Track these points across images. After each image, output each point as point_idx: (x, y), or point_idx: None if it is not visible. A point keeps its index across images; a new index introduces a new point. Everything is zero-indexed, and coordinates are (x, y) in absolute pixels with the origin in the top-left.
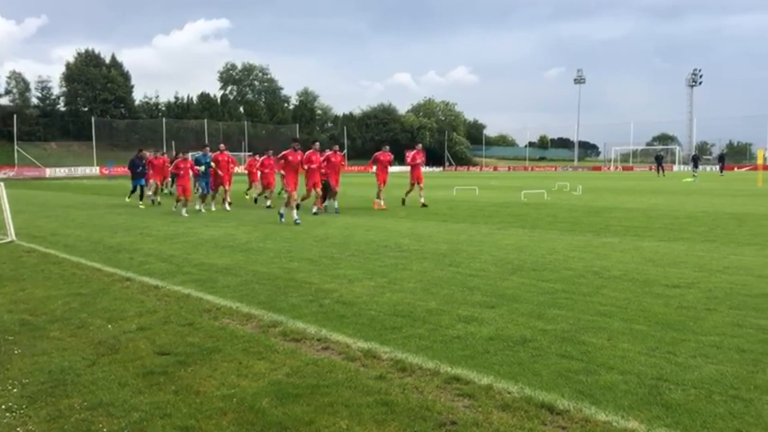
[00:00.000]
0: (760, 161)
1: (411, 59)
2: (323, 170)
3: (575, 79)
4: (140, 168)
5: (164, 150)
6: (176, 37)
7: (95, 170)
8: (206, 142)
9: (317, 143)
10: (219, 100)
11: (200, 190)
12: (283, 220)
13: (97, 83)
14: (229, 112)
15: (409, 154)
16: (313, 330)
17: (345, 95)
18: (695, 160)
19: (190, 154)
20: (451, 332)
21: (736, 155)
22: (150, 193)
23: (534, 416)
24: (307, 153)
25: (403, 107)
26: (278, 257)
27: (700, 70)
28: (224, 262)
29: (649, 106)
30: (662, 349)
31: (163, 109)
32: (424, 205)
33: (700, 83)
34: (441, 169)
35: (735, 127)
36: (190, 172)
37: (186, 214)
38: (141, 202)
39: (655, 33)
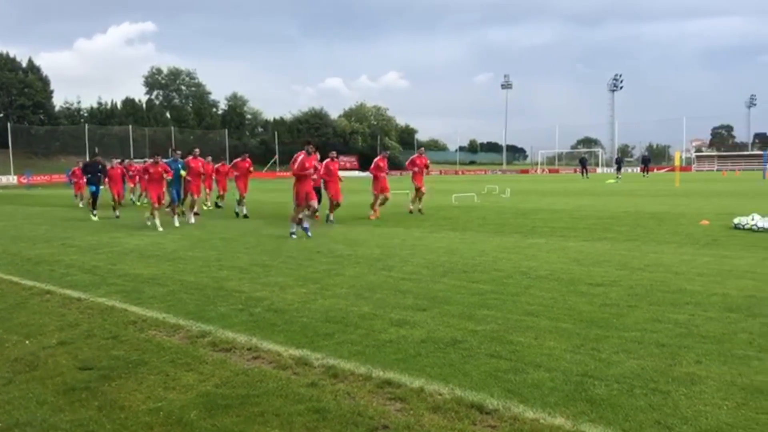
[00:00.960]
0: (677, 162)
1: (343, 64)
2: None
3: (502, 85)
4: (93, 175)
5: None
6: (99, 41)
7: (12, 179)
8: (131, 148)
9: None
10: (144, 106)
11: (168, 200)
12: (294, 236)
13: (12, 88)
14: (155, 117)
15: (416, 160)
16: (243, 339)
17: (276, 100)
18: (618, 163)
19: (160, 157)
20: (383, 336)
21: (655, 157)
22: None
23: (464, 417)
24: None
25: (335, 112)
26: (207, 266)
27: (620, 76)
28: (150, 272)
29: (573, 111)
30: (587, 346)
31: (86, 115)
32: (420, 212)
33: (621, 88)
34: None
35: (654, 130)
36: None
37: (161, 228)
38: (94, 212)
39: (577, 40)
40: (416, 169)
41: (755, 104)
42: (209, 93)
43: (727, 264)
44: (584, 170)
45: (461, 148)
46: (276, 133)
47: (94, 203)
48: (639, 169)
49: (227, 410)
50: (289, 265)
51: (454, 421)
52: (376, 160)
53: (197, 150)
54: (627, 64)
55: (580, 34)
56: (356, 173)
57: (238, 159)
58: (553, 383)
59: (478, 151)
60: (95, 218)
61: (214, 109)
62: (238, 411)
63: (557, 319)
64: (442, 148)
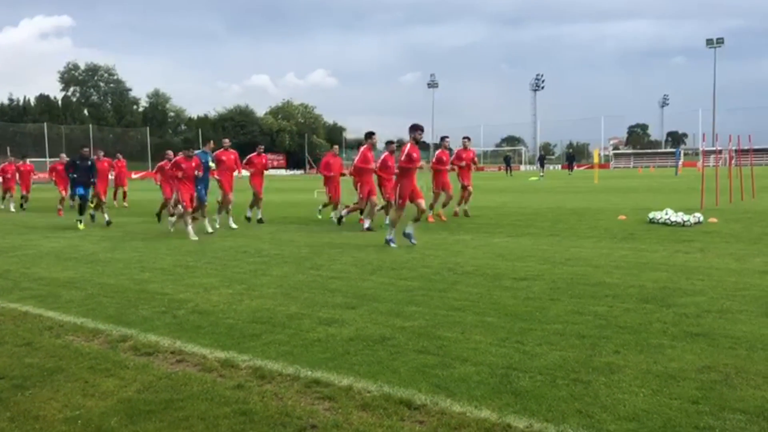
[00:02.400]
0: (596, 160)
1: (269, 61)
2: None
3: (428, 84)
4: (82, 174)
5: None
6: (10, 35)
7: None
8: (46, 147)
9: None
10: (60, 103)
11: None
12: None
13: None
14: (72, 114)
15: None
16: (166, 342)
17: (200, 97)
18: (541, 160)
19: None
20: (311, 336)
21: (576, 155)
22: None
23: (393, 413)
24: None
25: (261, 109)
26: (128, 268)
27: (542, 76)
28: (68, 276)
29: (497, 110)
30: (511, 339)
31: None
32: (466, 214)
33: (543, 88)
34: (302, 172)
35: (574, 128)
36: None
37: (195, 237)
38: (80, 218)
39: (501, 40)
40: (462, 164)
41: (668, 104)
42: (129, 90)
43: (643, 257)
44: (508, 168)
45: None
46: (200, 131)
47: (81, 209)
48: (562, 166)
49: (150, 416)
50: (215, 265)
51: (383, 417)
52: (437, 153)
53: (227, 141)
54: (548, 65)
55: (503, 35)
56: (283, 171)
57: (253, 154)
58: (479, 377)
59: None
60: (82, 226)
61: (135, 107)
62: (161, 416)
63: (483, 314)
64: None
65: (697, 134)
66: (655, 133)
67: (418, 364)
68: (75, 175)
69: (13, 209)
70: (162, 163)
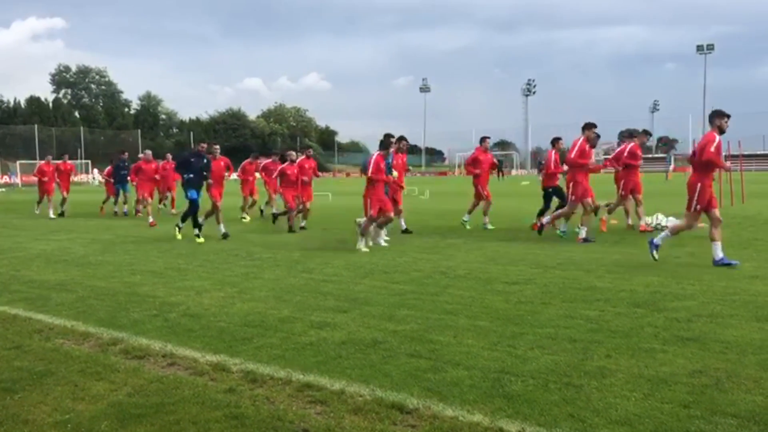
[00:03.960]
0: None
1: (262, 64)
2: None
3: (421, 88)
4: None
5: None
6: (2, 36)
7: None
8: (37, 149)
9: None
10: (51, 105)
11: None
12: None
13: None
14: (63, 117)
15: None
16: (157, 346)
17: (192, 100)
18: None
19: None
20: (303, 339)
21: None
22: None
23: (385, 417)
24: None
25: (254, 113)
26: (119, 271)
27: (533, 81)
28: (58, 278)
29: (489, 114)
30: (504, 343)
31: None
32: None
33: (534, 93)
34: None
35: (565, 133)
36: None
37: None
38: (198, 232)
39: (494, 45)
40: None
41: (658, 109)
42: (121, 92)
43: (634, 261)
44: (500, 173)
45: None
46: (192, 133)
47: (195, 219)
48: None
49: (140, 420)
50: (206, 268)
51: (375, 422)
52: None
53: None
54: (541, 69)
55: (496, 40)
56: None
57: (302, 157)
58: (472, 381)
59: None
60: (201, 239)
61: (126, 109)
62: (152, 420)
63: (475, 318)
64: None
65: (688, 139)
66: None
67: (410, 368)
68: (191, 175)
69: (52, 215)
70: (246, 163)
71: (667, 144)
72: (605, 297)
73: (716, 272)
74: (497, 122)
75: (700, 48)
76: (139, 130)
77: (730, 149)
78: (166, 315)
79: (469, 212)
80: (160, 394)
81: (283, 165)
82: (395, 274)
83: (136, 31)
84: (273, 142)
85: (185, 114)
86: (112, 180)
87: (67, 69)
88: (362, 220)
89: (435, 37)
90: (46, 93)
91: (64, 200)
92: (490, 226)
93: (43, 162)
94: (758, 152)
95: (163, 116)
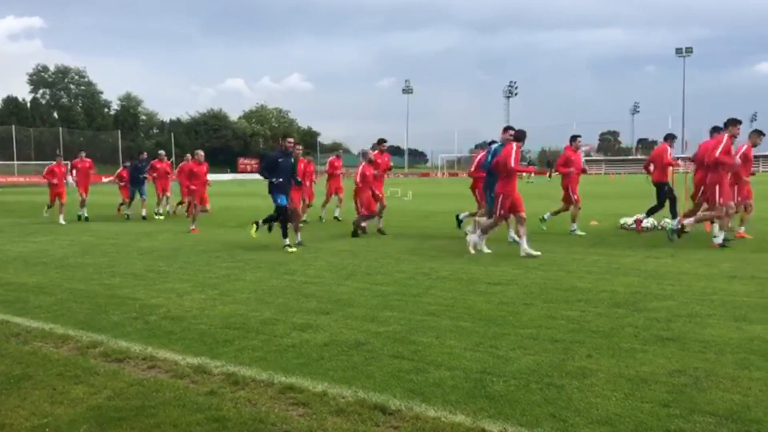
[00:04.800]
0: None
1: (244, 64)
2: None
3: (403, 89)
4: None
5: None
6: None
7: None
8: (14, 150)
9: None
10: (29, 105)
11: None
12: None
13: None
14: (42, 117)
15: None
16: (137, 348)
17: (173, 100)
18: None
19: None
20: (285, 341)
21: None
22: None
23: (367, 418)
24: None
25: (236, 113)
26: (98, 273)
27: (515, 83)
28: (36, 281)
29: (471, 116)
30: (486, 344)
31: None
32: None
33: (516, 94)
34: None
35: (546, 134)
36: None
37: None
38: (287, 243)
39: (476, 46)
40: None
41: (638, 111)
42: (101, 92)
43: (614, 262)
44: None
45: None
46: (172, 134)
47: (284, 226)
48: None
49: (120, 423)
50: (187, 270)
51: (357, 423)
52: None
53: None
54: (523, 71)
55: (478, 42)
56: (257, 175)
57: (333, 157)
58: (454, 381)
59: None
60: (293, 249)
61: (106, 110)
62: (132, 423)
63: (457, 318)
64: (344, 151)
65: None
66: (626, 140)
67: (392, 369)
68: (280, 179)
69: (63, 221)
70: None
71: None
72: (586, 297)
73: (695, 273)
74: (479, 124)
75: (679, 51)
76: (119, 131)
77: None
78: (146, 317)
79: (555, 213)
80: (140, 397)
81: (363, 165)
82: (378, 276)
83: (116, 30)
84: (255, 144)
85: (166, 115)
86: (122, 183)
87: (46, 69)
88: (481, 219)
89: (418, 39)
90: (23, 93)
91: (83, 202)
92: (579, 232)
93: (53, 163)
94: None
95: (144, 117)
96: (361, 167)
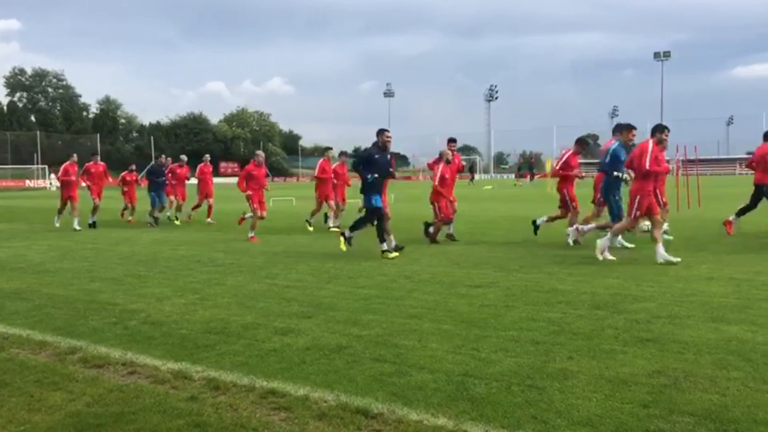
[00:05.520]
0: (548, 169)
1: (225, 68)
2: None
3: (385, 93)
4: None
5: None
6: None
7: None
8: None
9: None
10: (6, 108)
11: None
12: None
13: None
14: (19, 121)
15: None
16: (117, 354)
17: (153, 104)
18: (519, 169)
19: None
20: (267, 346)
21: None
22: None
23: (349, 422)
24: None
25: (217, 117)
26: (77, 278)
27: (496, 86)
28: (13, 286)
29: (453, 119)
30: (467, 347)
31: None
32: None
33: (497, 98)
34: None
35: (527, 138)
36: None
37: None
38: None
39: (457, 50)
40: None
41: (617, 115)
42: (79, 96)
43: (595, 264)
44: (472, 177)
45: (345, 155)
46: (152, 138)
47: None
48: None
49: (99, 430)
50: (167, 275)
51: (339, 427)
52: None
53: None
54: (504, 75)
55: (460, 45)
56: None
57: (337, 164)
58: (436, 384)
59: None
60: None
61: (85, 113)
62: (111, 430)
63: (439, 321)
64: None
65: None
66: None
67: (375, 372)
68: (375, 175)
69: (77, 226)
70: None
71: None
72: (567, 299)
73: (674, 274)
74: (460, 127)
75: (657, 55)
76: (98, 135)
77: (686, 154)
78: (126, 322)
79: (551, 220)
80: (120, 403)
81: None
82: (360, 279)
83: (94, 33)
84: (235, 147)
85: (146, 118)
86: (125, 188)
87: (23, 72)
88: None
89: (399, 42)
90: (0, 96)
91: (95, 208)
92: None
93: (68, 162)
94: (712, 157)
95: (123, 120)
96: (439, 169)
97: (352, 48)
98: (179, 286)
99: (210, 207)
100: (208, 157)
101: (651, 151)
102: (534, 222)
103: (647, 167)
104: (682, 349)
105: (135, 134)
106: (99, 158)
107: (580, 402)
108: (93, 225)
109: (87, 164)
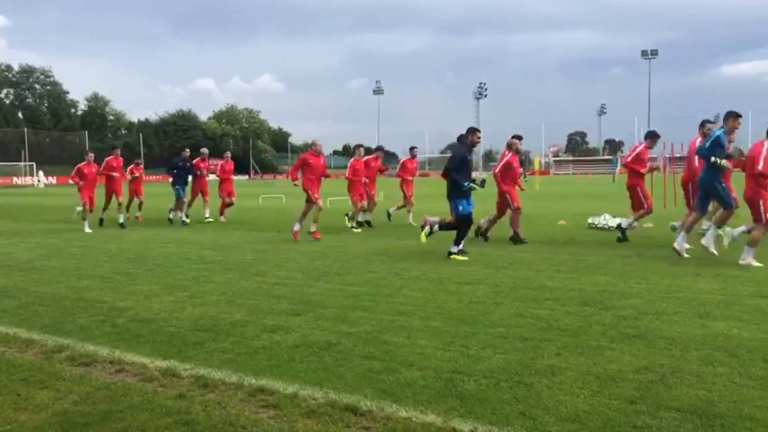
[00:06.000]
0: (536, 167)
1: (215, 65)
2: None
3: (374, 90)
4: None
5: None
6: None
7: None
8: None
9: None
10: None
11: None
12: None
13: None
14: (6, 117)
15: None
16: (105, 352)
17: (142, 101)
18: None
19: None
20: (256, 343)
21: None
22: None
23: (338, 420)
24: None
25: (206, 114)
26: (65, 276)
27: (485, 84)
28: (0, 284)
29: (442, 117)
30: (456, 343)
31: None
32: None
33: (486, 96)
34: (247, 177)
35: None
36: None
37: None
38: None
39: (446, 48)
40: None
41: (605, 112)
42: (67, 92)
43: (583, 261)
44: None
45: (335, 152)
46: (141, 135)
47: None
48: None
49: (87, 428)
50: (156, 272)
51: (328, 424)
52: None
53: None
54: (493, 73)
55: (449, 43)
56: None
57: (371, 156)
58: (425, 381)
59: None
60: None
61: (73, 110)
62: (99, 428)
63: (428, 318)
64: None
65: (633, 142)
66: (593, 141)
67: (364, 369)
68: (467, 184)
69: (88, 229)
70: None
71: (612, 146)
72: (555, 296)
73: (661, 271)
74: (449, 125)
75: (644, 53)
76: (87, 132)
77: (673, 152)
78: (114, 320)
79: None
80: (107, 401)
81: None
82: (349, 276)
83: (82, 29)
84: (225, 144)
85: (134, 115)
86: (132, 181)
87: (10, 68)
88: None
89: (388, 40)
90: None
91: (119, 205)
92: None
93: (83, 163)
94: None
95: (111, 117)
96: (506, 160)
97: (341, 45)
98: (168, 283)
99: (230, 205)
100: (228, 154)
101: (766, 150)
102: (620, 226)
103: (759, 170)
104: (669, 345)
105: (124, 131)
106: (119, 152)
107: (568, 398)
108: (101, 222)
109: (108, 159)
